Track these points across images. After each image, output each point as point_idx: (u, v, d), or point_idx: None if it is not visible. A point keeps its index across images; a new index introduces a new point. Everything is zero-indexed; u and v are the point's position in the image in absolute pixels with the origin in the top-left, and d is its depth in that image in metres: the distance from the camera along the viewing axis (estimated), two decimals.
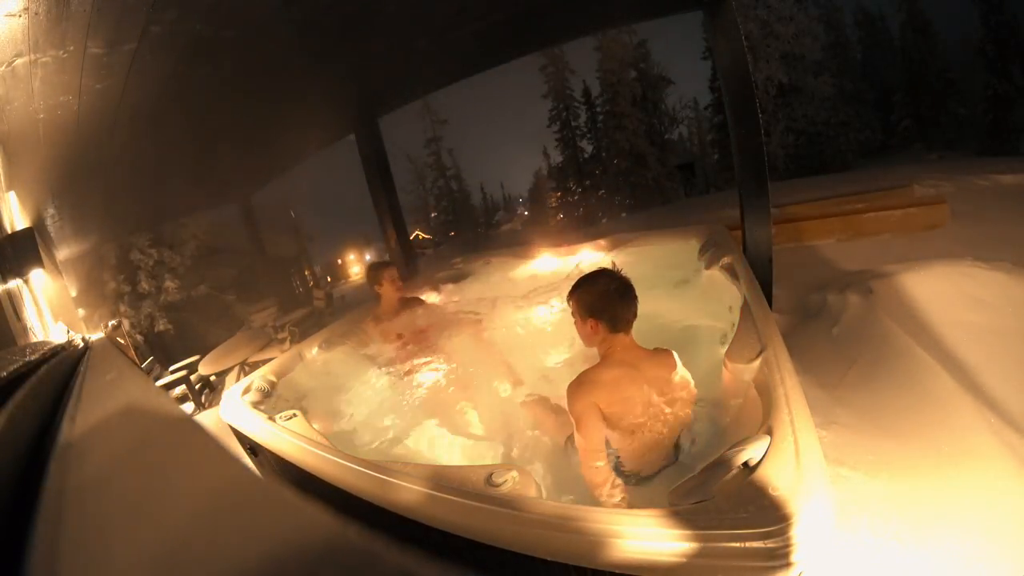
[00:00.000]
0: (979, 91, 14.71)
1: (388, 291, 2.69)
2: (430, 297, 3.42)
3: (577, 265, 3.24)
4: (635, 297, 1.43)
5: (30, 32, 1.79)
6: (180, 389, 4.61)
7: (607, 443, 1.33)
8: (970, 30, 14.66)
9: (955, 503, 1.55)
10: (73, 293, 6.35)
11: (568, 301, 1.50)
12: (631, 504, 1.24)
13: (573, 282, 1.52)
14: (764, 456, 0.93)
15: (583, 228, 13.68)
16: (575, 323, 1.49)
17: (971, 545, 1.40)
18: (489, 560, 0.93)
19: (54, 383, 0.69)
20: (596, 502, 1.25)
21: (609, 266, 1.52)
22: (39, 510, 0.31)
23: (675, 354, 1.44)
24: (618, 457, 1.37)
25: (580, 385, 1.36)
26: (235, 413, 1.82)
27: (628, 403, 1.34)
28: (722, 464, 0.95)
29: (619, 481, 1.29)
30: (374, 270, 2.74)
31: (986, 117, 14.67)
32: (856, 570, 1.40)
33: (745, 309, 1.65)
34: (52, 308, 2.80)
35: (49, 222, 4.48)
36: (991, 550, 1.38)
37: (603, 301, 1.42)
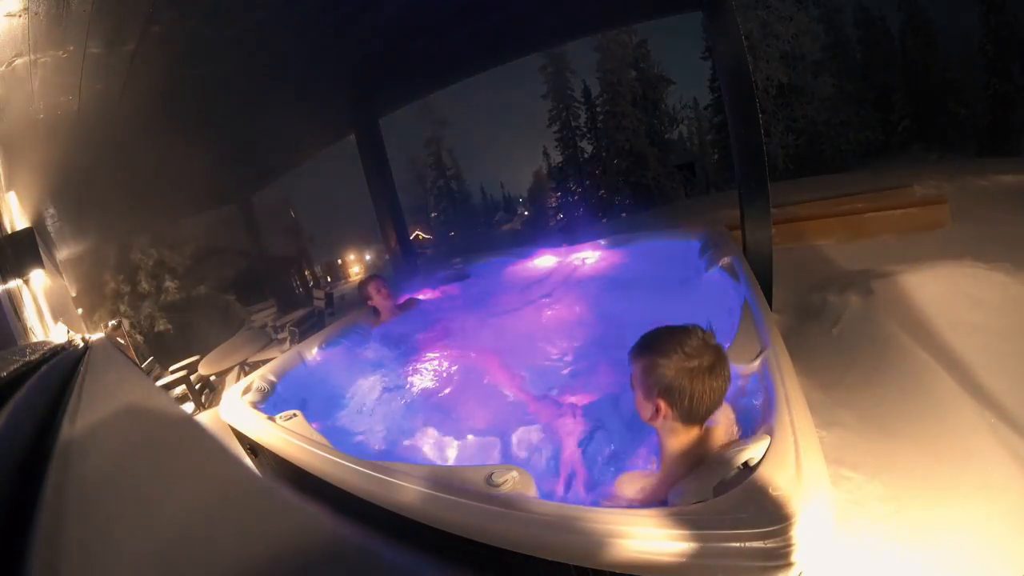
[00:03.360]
0: (979, 91, 14.72)
1: (378, 301, 2.76)
2: (429, 297, 3.43)
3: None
4: (726, 374, 1.02)
5: (30, 32, 1.79)
6: (180, 389, 4.61)
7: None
8: (970, 30, 14.66)
9: (955, 503, 1.55)
10: (73, 293, 6.36)
11: (631, 360, 1.09)
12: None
13: (645, 333, 1.10)
14: (764, 456, 0.93)
15: (583, 228, 13.67)
16: (634, 390, 1.10)
17: (971, 545, 1.40)
18: (489, 560, 0.93)
19: (54, 383, 0.69)
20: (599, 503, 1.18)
21: (693, 328, 1.05)
22: (39, 510, 0.30)
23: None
24: None
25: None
26: (235, 413, 1.81)
27: None
28: (722, 464, 0.95)
29: None
30: (360, 288, 2.83)
31: (986, 117, 14.68)
32: (856, 570, 1.40)
33: (745, 309, 1.65)
34: (52, 308, 2.80)
35: (49, 222, 4.48)
36: (990, 550, 1.38)
37: (685, 380, 0.98)
